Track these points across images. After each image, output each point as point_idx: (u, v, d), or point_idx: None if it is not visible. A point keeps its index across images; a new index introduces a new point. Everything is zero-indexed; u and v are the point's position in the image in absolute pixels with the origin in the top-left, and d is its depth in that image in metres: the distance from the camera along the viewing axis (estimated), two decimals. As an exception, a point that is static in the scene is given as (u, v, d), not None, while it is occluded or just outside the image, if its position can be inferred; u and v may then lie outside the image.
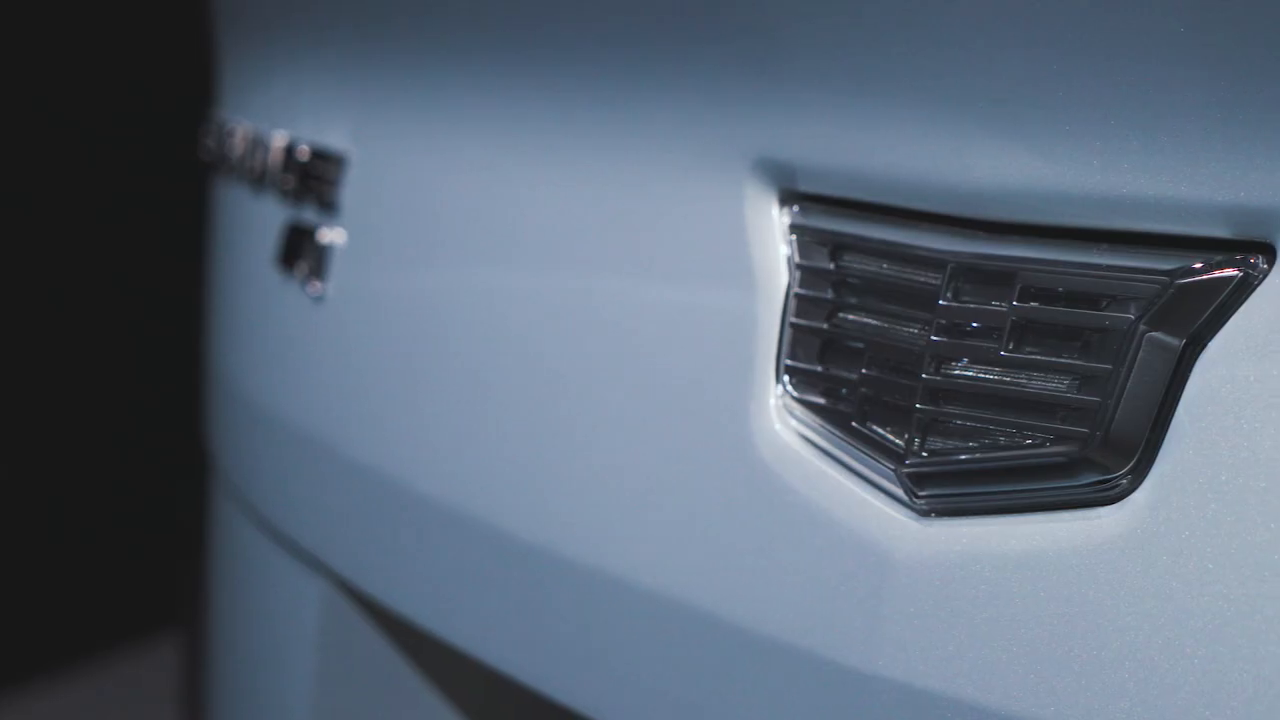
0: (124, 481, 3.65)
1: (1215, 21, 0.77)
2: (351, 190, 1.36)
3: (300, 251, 1.40)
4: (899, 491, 0.91)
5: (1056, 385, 0.86)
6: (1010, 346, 0.87)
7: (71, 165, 3.50)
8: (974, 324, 0.89)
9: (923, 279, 0.92)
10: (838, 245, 0.98)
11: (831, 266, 0.98)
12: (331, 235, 1.37)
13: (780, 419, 0.99)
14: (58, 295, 3.54)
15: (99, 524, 3.63)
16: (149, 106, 3.53)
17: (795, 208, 1.00)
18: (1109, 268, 0.84)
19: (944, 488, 0.89)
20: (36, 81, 3.42)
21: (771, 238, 1.01)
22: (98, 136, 3.52)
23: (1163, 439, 0.81)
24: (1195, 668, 0.78)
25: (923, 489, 0.90)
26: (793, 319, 0.99)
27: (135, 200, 3.58)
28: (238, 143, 1.55)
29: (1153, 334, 0.82)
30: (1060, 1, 0.82)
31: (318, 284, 1.38)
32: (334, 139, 1.38)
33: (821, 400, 0.97)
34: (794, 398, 0.98)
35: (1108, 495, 0.83)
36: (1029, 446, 0.86)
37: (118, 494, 3.65)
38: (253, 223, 1.52)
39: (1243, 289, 0.79)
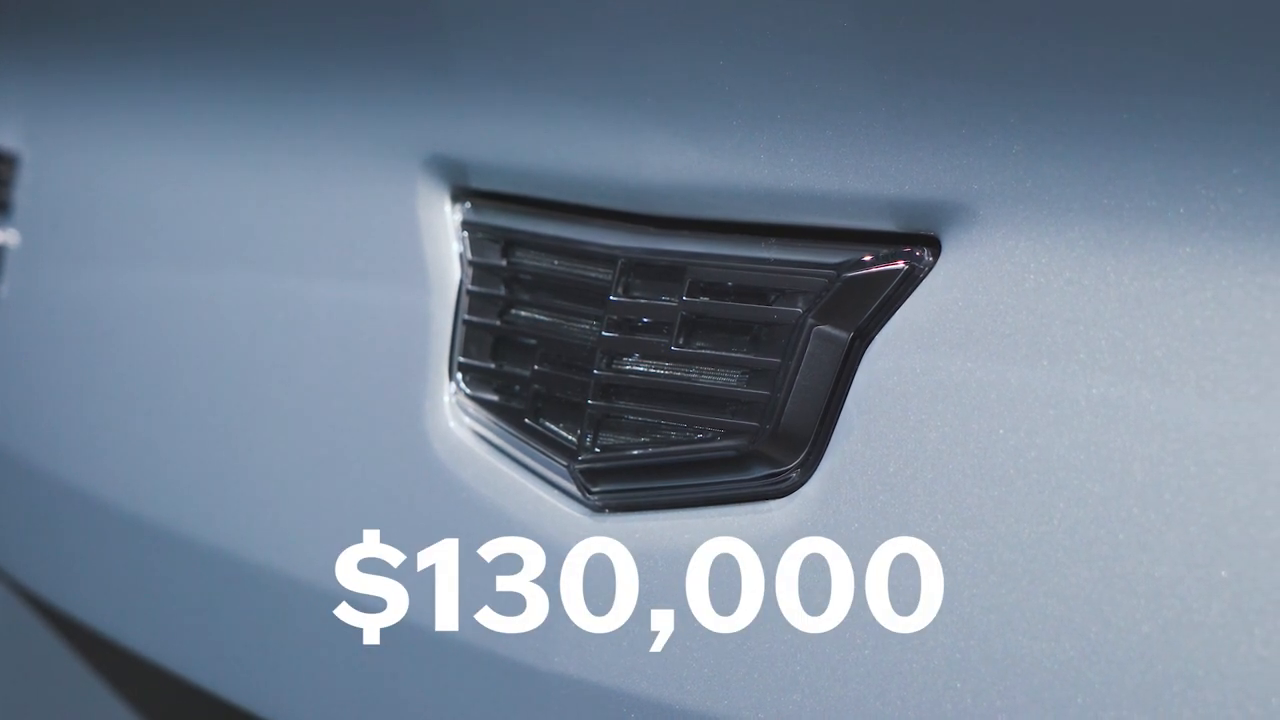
0: None
1: (876, 16, 0.73)
2: (24, 190, 1.29)
3: (-27, 253, 1.33)
4: (572, 488, 0.87)
5: (727, 380, 0.81)
6: (681, 341, 0.83)
7: None
8: (645, 319, 0.84)
9: (594, 275, 0.88)
10: (510, 241, 0.93)
11: (503, 263, 0.93)
12: (5, 236, 1.30)
13: (454, 416, 0.94)
14: None
15: None
16: None
17: (467, 204, 0.96)
18: (777, 262, 0.80)
19: (617, 483, 0.85)
20: None
21: (445, 234, 0.96)
22: None
23: (832, 432, 0.77)
24: (865, 659, 0.74)
25: (595, 485, 0.85)
26: (465, 316, 0.94)
27: None
28: (-90, 143, 1.47)
29: (821, 327, 0.78)
30: (726, -4, 0.78)
31: (-9, 286, 1.30)
32: (6, 138, 1.31)
33: (495, 397, 0.92)
34: (468, 395, 0.94)
35: (778, 488, 0.79)
36: (700, 441, 0.82)
37: None
38: (-74, 224, 1.43)
39: (908, 282, 0.75)
